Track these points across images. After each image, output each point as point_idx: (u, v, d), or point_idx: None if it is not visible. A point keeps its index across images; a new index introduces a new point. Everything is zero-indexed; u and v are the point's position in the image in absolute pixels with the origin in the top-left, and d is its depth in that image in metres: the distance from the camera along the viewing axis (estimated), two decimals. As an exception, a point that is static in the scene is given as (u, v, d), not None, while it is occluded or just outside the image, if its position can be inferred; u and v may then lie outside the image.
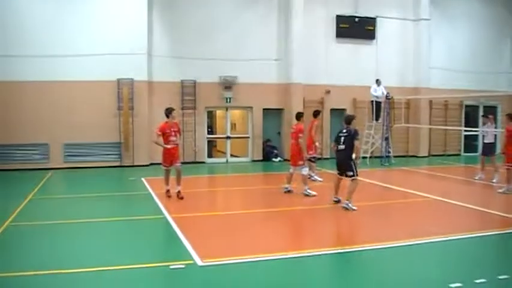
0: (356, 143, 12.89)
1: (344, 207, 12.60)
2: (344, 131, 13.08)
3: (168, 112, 14.04)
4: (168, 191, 14.43)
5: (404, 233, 10.45)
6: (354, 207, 12.51)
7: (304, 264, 8.33)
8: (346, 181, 13.11)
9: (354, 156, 12.82)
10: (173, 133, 13.98)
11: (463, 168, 23.36)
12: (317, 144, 18.05)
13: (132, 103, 21.88)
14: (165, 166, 14.26)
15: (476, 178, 17.98)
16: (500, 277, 7.42)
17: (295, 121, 16.36)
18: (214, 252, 8.72)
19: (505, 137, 15.44)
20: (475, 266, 8.27)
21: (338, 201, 13.14)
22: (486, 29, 29.38)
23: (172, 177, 14.36)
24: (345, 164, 12.90)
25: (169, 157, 14.07)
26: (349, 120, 13.42)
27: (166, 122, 13.98)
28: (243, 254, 8.55)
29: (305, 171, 14.84)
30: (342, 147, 12.92)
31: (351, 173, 12.74)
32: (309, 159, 16.90)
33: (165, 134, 13.89)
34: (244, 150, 24.95)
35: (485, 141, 18.55)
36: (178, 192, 14.14)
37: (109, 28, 21.55)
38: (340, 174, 13.15)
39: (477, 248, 9.44)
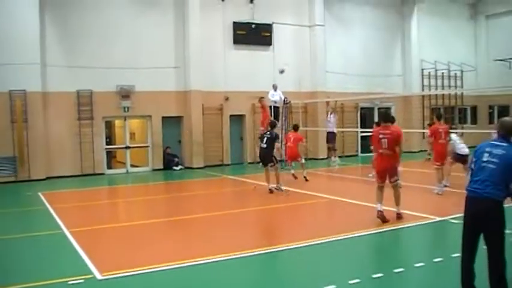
0: (276, 144, 16.81)
1: (276, 188, 16.35)
2: (268, 133, 16.72)
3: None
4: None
5: (308, 233, 10.74)
6: (283, 188, 16.45)
7: (206, 270, 8.33)
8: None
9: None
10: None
11: (360, 168, 24.04)
12: None
13: (26, 115, 21.02)
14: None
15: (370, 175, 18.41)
16: (396, 270, 7.83)
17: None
18: (114, 265, 8.57)
19: (430, 137, 15.48)
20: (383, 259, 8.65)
21: (271, 190, 16.36)
22: (379, 33, 30.75)
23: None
24: (267, 159, 16.60)
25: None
26: (273, 125, 17.21)
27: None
28: (143, 265, 8.43)
29: None
30: (264, 145, 16.50)
31: (272, 164, 16.57)
32: None
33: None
34: (144, 159, 24.64)
35: None
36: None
37: (-2, 38, 20.64)
38: (264, 165, 16.76)
39: (376, 243, 9.86)
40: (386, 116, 12.16)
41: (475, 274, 6.35)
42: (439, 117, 15.95)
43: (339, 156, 27.31)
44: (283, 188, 16.42)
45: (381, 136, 11.49)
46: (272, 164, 16.59)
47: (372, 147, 14.07)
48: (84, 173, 22.43)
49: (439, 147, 15.22)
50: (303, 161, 19.61)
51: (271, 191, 16.23)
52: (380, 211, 11.38)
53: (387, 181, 11.65)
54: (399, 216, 11.63)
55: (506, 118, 6.62)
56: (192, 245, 10.14)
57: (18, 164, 21.05)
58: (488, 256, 6.21)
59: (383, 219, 11.29)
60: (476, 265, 6.37)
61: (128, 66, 23.20)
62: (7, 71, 20.59)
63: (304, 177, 18.97)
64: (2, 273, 8.64)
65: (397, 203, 11.68)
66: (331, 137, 24.38)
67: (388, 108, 30.49)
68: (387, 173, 11.55)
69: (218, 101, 25.31)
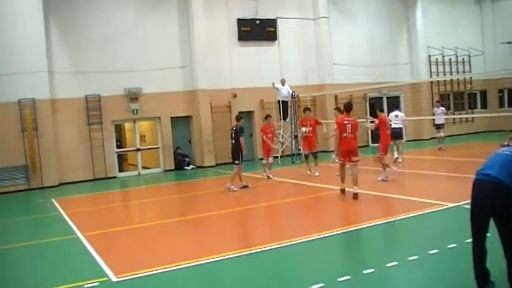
0: (240, 139, 16.07)
1: (227, 187, 16.05)
2: (234, 127, 16.52)
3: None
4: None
5: (321, 225, 10.90)
6: (235, 189, 16.02)
7: (221, 268, 8.32)
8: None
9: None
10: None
11: (370, 158, 23.93)
12: None
13: (35, 123, 21.11)
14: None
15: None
16: (410, 258, 7.86)
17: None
18: (130, 266, 8.57)
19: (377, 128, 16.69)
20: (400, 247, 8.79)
21: (245, 186, 16.50)
22: (383, 23, 30.64)
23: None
24: (234, 155, 16.32)
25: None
26: (238, 118, 16.85)
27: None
28: (158, 265, 8.43)
29: None
30: (232, 141, 16.31)
31: (237, 162, 16.21)
32: None
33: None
34: (155, 160, 24.71)
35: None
36: None
37: (5, 48, 20.67)
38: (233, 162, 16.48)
39: (390, 232, 9.93)
40: (349, 107, 13.95)
41: (485, 260, 6.17)
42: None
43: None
44: (235, 188, 16.12)
45: (346, 122, 13.51)
46: (237, 162, 16.27)
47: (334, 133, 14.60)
48: (96, 177, 22.52)
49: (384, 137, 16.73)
50: (270, 160, 19.23)
51: (245, 187, 16.57)
52: (343, 189, 13.42)
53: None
54: (355, 196, 13.04)
55: None
56: (206, 243, 10.15)
57: (31, 171, 21.14)
58: (502, 245, 6.04)
59: (343, 193, 13.39)
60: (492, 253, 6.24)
61: (135, 68, 23.24)
62: (15, 80, 20.66)
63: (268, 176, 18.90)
64: (19, 279, 8.71)
65: (355, 183, 13.17)
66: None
67: (397, 97, 30.48)
68: (350, 153, 13.38)
69: (226, 99, 25.31)
